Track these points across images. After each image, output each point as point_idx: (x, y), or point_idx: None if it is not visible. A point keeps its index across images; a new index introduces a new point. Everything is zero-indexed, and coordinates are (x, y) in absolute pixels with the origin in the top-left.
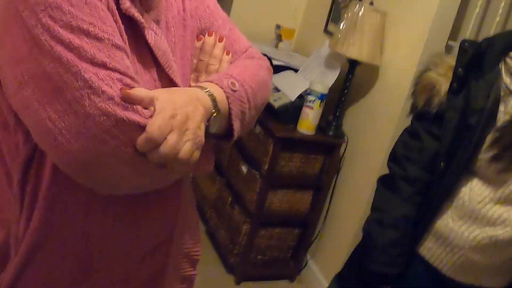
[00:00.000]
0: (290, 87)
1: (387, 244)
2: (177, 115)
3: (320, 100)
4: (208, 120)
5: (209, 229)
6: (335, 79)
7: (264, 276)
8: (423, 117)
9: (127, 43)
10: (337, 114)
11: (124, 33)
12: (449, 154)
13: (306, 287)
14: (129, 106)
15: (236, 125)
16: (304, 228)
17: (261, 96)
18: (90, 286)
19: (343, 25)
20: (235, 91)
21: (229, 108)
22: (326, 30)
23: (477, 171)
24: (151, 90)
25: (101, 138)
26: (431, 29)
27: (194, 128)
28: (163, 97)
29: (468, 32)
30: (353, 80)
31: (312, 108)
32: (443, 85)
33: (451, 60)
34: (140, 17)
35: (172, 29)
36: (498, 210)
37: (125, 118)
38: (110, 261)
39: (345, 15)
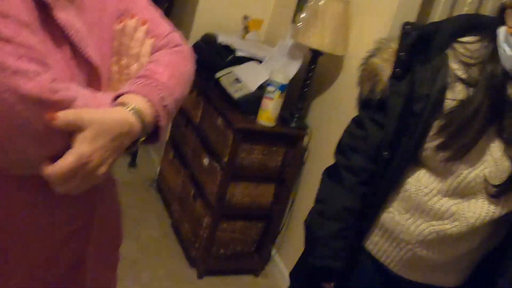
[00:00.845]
0: (251, 78)
1: (328, 236)
2: (90, 162)
3: (280, 91)
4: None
5: (174, 222)
6: (297, 69)
7: (227, 270)
8: (368, 105)
9: (37, 21)
10: (300, 105)
11: (33, 11)
12: (394, 143)
13: (271, 281)
14: (35, 79)
15: (163, 135)
16: (268, 222)
17: (185, 94)
18: (10, 275)
19: (305, 14)
20: (165, 105)
21: (158, 123)
22: (294, 20)
23: (424, 161)
24: (64, 69)
25: (7, 115)
26: (396, 16)
27: (106, 167)
28: (91, 127)
29: (436, 19)
30: (316, 71)
31: (272, 99)
32: (386, 70)
33: (396, 44)
34: None
35: (90, 9)
36: (446, 203)
37: (30, 94)
38: (28, 249)
39: (307, 4)
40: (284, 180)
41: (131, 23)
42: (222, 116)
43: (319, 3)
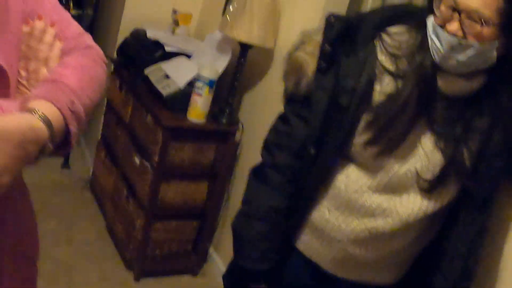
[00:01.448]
0: (179, 74)
1: (255, 238)
2: None
3: (209, 87)
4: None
5: (108, 223)
6: (226, 64)
7: (164, 271)
8: (293, 100)
9: None
10: (230, 100)
11: None
12: (320, 139)
13: (209, 280)
14: None
15: (73, 142)
16: (203, 220)
17: (97, 98)
18: None
19: (233, 7)
20: (73, 111)
21: (67, 128)
22: (224, 13)
23: (352, 157)
24: None
25: None
26: (326, 6)
27: (8, 177)
28: None
29: (368, 8)
30: (246, 65)
31: (201, 95)
32: (311, 64)
33: (320, 36)
34: None
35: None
36: (377, 199)
37: None
38: None
39: None
40: (217, 176)
41: (38, 25)
42: (151, 113)
43: None
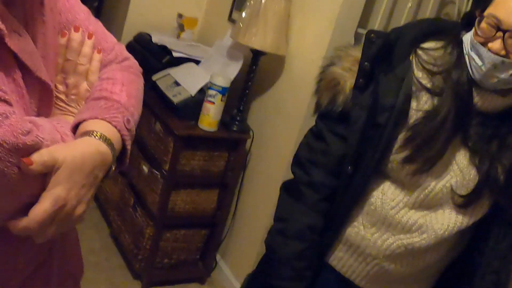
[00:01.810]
0: (190, 81)
1: (291, 257)
2: (67, 203)
3: (221, 95)
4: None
5: (112, 232)
6: (237, 71)
7: (172, 280)
8: (328, 116)
9: None
10: (241, 108)
11: None
12: (357, 157)
13: None
14: (4, 122)
15: (128, 152)
16: (212, 228)
17: (141, 112)
18: None
19: (245, 14)
20: (129, 129)
21: (124, 148)
22: (230, 19)
23: (389, 174)
24: (17, 100)
25: None
26: (339, 15)
27: (84, 206)
28: (65, 166)
29: (378, 18)
30: (257, 72)
31: (213, 103)
32: (348, 81)
33: (357, 52)
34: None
35: (30, 27)
36: (414, 216)
37: (3, 141)
38: None
39: (248, 2)
40: (227, 185)
41: (76, 36)
42: (160, 121)
43: (262, 2)
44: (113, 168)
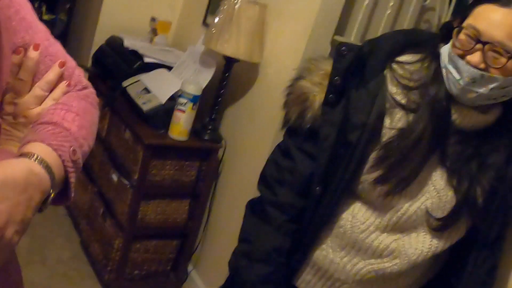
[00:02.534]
0: (160, 88)
1: (256, 280)
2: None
3: (192, 103)
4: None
5: (83, 241)
6: (209, 78)
7: None
8: (296, 132)
9: None
10: (213, 116)
11: None
12: (326, 176)
13: None
14: None
15: (72, 187)
16: (183, 239)
17: (93, 144)
18: None
19: (218, 19)
20: (75, 161)
21: (67, 181)
22: (204, 23)
23: (360, 195)
24: None
25: None
26: (316, 22)
27: (20, 228)
28: None
29: (356, 25)
30: (230, 79)
31: (184, 111)
32: (318, 96)
33: (328, 66)
34: None
35: None
36: (385, 240)
37: None
38: None
39: (221, 7)
40: (199, 195)
41: (33, 55)
42: (130, 129)
43: (235, 7)
44: (52, 195)
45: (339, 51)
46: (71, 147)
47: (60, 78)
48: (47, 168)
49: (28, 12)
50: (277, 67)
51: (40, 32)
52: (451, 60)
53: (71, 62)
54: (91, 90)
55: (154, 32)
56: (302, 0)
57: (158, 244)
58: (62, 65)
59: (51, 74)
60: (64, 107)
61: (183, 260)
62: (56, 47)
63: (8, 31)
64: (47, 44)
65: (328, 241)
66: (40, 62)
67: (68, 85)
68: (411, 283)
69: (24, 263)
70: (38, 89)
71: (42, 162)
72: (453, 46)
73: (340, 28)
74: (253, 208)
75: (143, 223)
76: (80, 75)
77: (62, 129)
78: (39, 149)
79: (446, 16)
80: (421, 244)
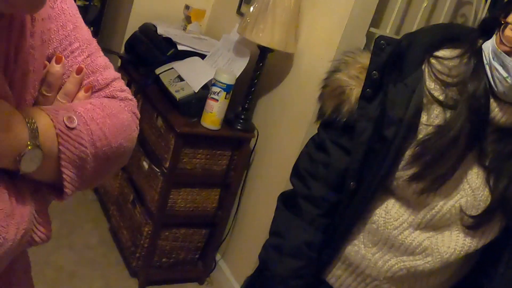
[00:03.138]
0: (194, 77)
1: (286, 275)
2: None
3: (226, 92)
4: (20, 156)
5: (111, 227)
6: (243, 68)
7: (170, 279)
8: (331, 126)
9: None
10: (246, 106)
11: None
12: (361, 172)
13: None
14: None
15: (68, 173)
16: (213, 228)
17: (118, 143)
18: None
19: (254, 8)
20: (71, 128)
21: (59, 150)
22: (239, 11)
23: (394, 191)
24: None
25: None
26: (352, 13)
27: None
28: None
29: (392, 18)
30: (264, 69)
31: (217, 100)
32: (355, 89)
33: (365, 59)
34: None
35: (15, 63)
36: (418, 237)
37: None
38: None
39: None
40: (229, 184)
41: (54, 69)
42: (162, 117)
43: None
44: (29, 147)
45: (378, 44)
46: (66, 114)
47: (81, 85)
48: (31, 124)
49: (70, 20)
50: (311, 58)
51: (77, 42)
52: (496, 57)
53: (108, 72)
54: (127, 97)
55: (187, 19)
56: None
57: (187, 233)
58: (79, 71)
59: (69, 84)
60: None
61: (211, 249)
62: (89, 57)
63: (45, 44)
64: (77, 54)
65: (361, 236)
66: (63, 74)
67: (86, 90)
68: (441, 282)
69: (52, 248)
70: (58, 102)
71: (28, 118)
72: (499, 42)
73: (376, 20)
74: (285, 201)
75: (172, 211)
76: (116, 88)
77: (66, 106)
78: (31, 110)
79: (483, 11)
80: (454, 243)
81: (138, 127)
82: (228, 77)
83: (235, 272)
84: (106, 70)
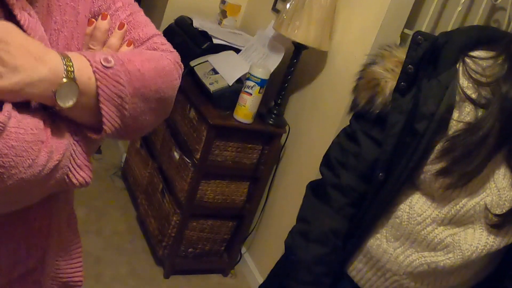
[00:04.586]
0: (228, 70)
1: (311, 261)
2: None
3: (259, 87)
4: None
5: (139, 215)
6: (278, 63)
7: (195, 269)
8: (363, 117)
9: None
10: (279, 101)
11: None
12: (390, 164)
13: (239, 281)
14: None
15: (108, 110)
16: (240, 221)
17: (156, 86)
18: None
19: (290, 5)
20: (108, 67)
21: (97, 86)
22: (274, 8)
23: (419, 185)
24: None
25: None
26: (387, 14)
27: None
28: None
29: (426, 20)
30: (298, 65)
31: (250, 94)
32: (389, 82)
33: (401, 54)
34: None
35: (54, 13)
36: (441, 234)
37: None
38: None
39: None
40: (259, 178)
41: (102, 25)
42: (195, 109)
43: None
44: (64, 81)
45: (415, 39)
46: (102, 56)
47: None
48: (66, 59)
49: None
50: (345, 56)
51: (119, 1)
52: None
53: (148, 28)
54: (168, 49)
55: (223, 14)
56: None
57: (214, 224)
58: (122, 26)
59: (113, 38)
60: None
61: (237, 242)
62: (135, 14)
63: (87, 1)
64: (120, 12)
65: (383, 230)
66: (108, 30)
67: (129, 43)
68: (462, 282)
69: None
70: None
71: (64, 56)
72: None
73: (410, 21)
74: (314, 189)
75: (201, 202)
76: (157, 42)
77: (103, 51)
78: (66, 52)
79: None
80: (477, 241)
81: (180, 77)
82: (263, 72)
83: (259, 265)
84: (147, 27)
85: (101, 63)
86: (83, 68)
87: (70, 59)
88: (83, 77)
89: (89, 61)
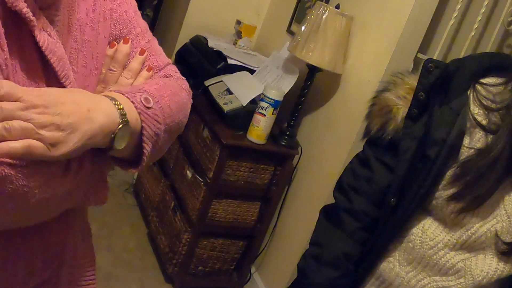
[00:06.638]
0: (242, 91)
1: (323, 284)
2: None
3: (273, 108)
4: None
5: (150, 232)
6: (292, 85)
7: (204, 287)
8: (376, 143)
9: (4, 43)
10: (292, 122)
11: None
12: (402, 189)
13: None
14: None
15: (148, 148)
16: (250, 240)
17: (179, 119)
18: None
19: (305, 28)
20: (149, 108)
21: (142, 127)
22: (289, 30)
23: (432, 210)
24: None
25: None
26: (401, 38)
27: (52, 130)
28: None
29: (439, 45)
30: (311, 88)
31: (264, 115)
32: (401, 109)
33: (413, 81)
34: (30, 14)
35: (74, 32)
36: (453, 258)
37: None
38: None
39: (308, 16)
40: (270, 199)
41: (123, 48)
42: (209, 128)
43: (322, 17)
44: (120, 127)
45: (426, 66)
46: (143, 96)
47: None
48: (117, 105)
49: (131, 8)
50: (359, 80)
51: (139, 27)
52: None
53: (163, 58)
54: (180, 77)
55: (238, 34)
56: (388, 15)
57: (225, 243)
58: (143, 52)
59: (134, 63)
60: (147, 82)
61: (247, 261)
62: (151, 42)
63: (106, 21)
64: (140, 38)
65: (396, 254)
66: (129, 54)
67: (149, 69)
68: None
69: None
70: (122, 78)
71: (114, 100)
72: None
73: (424, 46)
74: (327, 213)
75: (212, 221)
76: (172, 70)
77: (138, 88)
78: (112, 94)
79: None
80: (488, 267)
81: (190, 101)
82: (277, 93)
83: (268, 285)
84: (162, 55)
85: (142, 103)
86: (130, 109)
87: (120, 103)
88: (132, 119)
89: (133, 102)
